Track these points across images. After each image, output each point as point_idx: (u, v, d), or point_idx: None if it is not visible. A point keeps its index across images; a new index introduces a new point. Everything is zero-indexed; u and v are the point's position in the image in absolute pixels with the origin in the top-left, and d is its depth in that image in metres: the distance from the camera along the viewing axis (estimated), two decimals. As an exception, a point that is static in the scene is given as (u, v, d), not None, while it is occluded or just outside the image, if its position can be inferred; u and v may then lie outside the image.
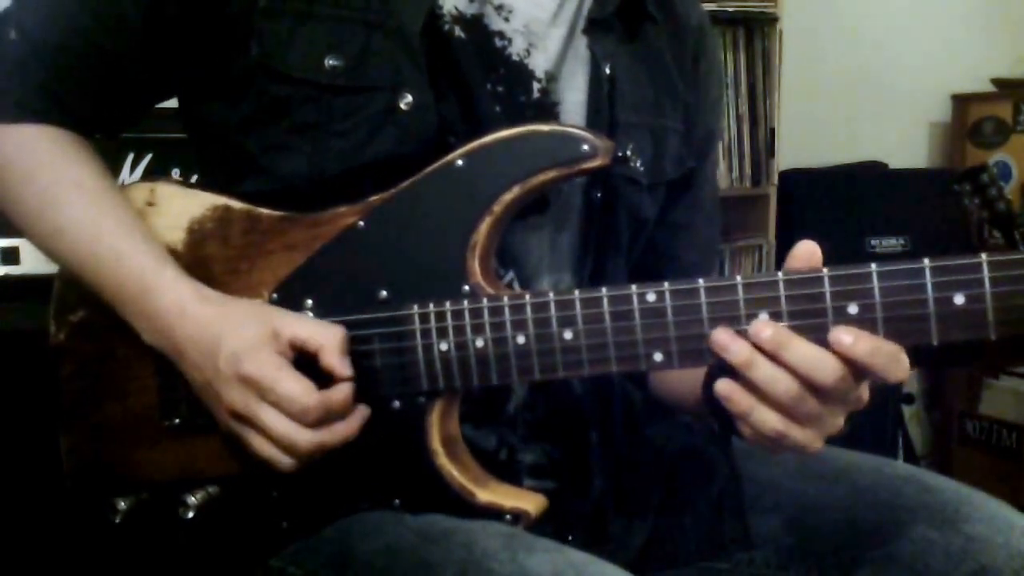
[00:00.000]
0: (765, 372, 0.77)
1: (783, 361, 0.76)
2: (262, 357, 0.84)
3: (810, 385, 0.76)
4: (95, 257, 0.92)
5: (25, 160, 0.95)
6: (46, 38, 0.95)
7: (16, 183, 0.95)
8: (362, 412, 0.87)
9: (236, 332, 0.85)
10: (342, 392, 0.85)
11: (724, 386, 0.79)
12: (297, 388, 0.83)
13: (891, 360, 0.75)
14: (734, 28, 2.46)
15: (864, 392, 0.79)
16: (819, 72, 2.93)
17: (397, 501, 0.90)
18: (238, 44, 0.92)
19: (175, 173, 1.69)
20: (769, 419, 0.78)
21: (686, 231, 1.13)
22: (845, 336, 0.75)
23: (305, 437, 0.84)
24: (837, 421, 0.80)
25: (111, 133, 1.04)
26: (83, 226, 0.93)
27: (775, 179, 2.53)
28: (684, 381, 1.01)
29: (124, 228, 0.93)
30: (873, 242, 2.69)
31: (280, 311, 0.89)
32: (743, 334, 0.78)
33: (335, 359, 0.86)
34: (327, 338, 0.86)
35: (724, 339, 0.78)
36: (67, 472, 1.02)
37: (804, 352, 0.76)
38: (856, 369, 0.76)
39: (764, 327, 0.77)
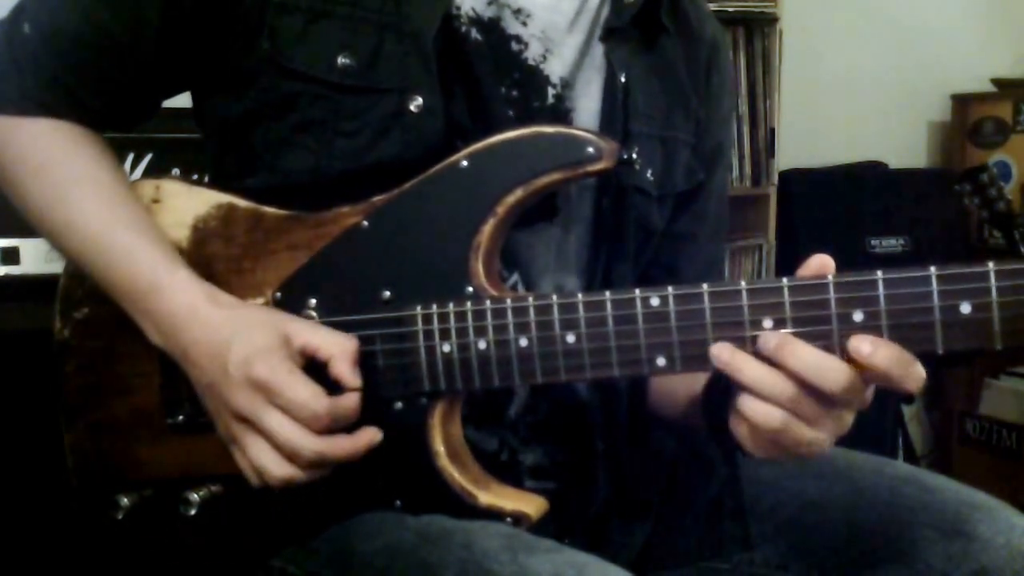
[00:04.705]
0: (760, 376, 0.76)
1: (788, 367, 0.75)
2: (273, 361, 0.83)
3: (814, 391, 0.75)
4: (107, 251, 0.92)
5: (38, 154, 0.95)
6: (60, 31, 0.95)
7: (28, 177, 0.95)
8: (369, 435, 0.86)
9: (247, 337, 0.85)
10: (351, 401, 0.85)
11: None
12: (307, 392, 0.83)
13: (907, 368, 0.74)
14: (734, 28, 2.46)
15: (870, 393, 0.78)
16: (819, 72, 2.93)
17: (398, 502, 0.91)
18: (248, 39, 0.92)
19: (175, 173, 1.69)
20: (770, 411, 0.76)
21: (687, 242, 1.11)
22: (864, 346, 0.74)
23: (309, 444, 0.83)
24: (844, 422, 0.79)
25: (123, 128, 1.04)
26: (95, 220, 0.93)
27: (775, 179, 2.53)
28: (680, 383, 1.01)
29: (137, 224, 0.93)
30: (873, 242, 2.69)
31: (292, 318, 0.89)
32: (748, 343, 0.77)
33: (346, 369, 0.85)
34: (339, 347, 0.86)
35: (724, 355, 0.77)
36: (70, 469, 1.02)
37: (809, 358, 0.75)
38: (871, 377, 0.75)
39: (770, 337, 0.76)
